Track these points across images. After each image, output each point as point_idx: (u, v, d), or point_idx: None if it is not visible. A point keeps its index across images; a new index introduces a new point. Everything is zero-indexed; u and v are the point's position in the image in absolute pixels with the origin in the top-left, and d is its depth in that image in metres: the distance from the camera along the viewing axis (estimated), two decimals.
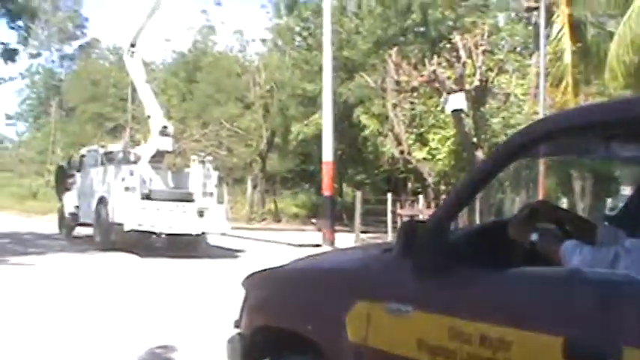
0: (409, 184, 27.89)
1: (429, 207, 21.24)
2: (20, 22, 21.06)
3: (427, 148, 23.33)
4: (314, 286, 3.68)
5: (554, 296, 2.56)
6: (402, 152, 23.56)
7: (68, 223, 22.82)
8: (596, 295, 2.42)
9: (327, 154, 20.26)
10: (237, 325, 4.03)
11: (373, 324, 3.13)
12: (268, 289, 4.01)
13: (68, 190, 23.17)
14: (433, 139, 23.27)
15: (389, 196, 22.56)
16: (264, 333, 3.78)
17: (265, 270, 4.19)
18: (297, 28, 30.81)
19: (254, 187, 33.73)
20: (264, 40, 34.78)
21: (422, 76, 22.00)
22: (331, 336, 3.32)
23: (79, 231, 22.46)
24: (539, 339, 2.48)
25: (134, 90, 29.56)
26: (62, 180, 24.03)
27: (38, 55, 66.82)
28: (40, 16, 24.38)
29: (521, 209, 3.16)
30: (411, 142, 23.46)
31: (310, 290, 3.65)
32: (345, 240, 20.00)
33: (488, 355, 2.62)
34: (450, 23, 27.44)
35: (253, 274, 4.17)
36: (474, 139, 20.71)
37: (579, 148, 3.65)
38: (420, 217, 18.92)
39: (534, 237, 2.91)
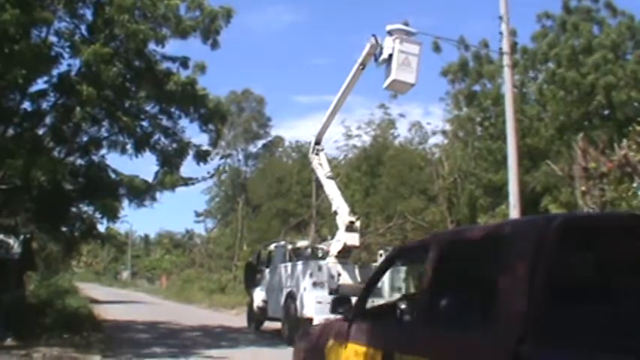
0: None
1: None
2: (211, 126, 21.99)
3: None
4: (317, 335, 7.57)
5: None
6: None
7: (257, 317, 23.24)
8: None
9: None
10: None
11: (335, 350, 6.61)
12: (300, 343, 8.20)
13: (257, 285, 23.69)
14: None
15: None
16: None
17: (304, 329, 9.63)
18: (478, 118, 30.52)
19: None
20: (444, 132, 34.70)
21: (611, 161, 21.00)
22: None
23: (268, 325, 22.80)
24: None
25: (318, 186, 30.21)
26: (251, 275, 24.64)
27: (229, 155, 70.32)
28: (227, 117, 25.43)
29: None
30: None
31: (314, 337, 7.58)
32: None
33: None
34: (637, 104, 26.20)
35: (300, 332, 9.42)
36: None
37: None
38: None
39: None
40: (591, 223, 5.12)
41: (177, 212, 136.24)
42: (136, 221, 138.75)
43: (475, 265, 5.26)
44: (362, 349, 5.95)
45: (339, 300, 7.10)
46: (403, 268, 19.01)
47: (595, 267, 4.65)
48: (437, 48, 25.58)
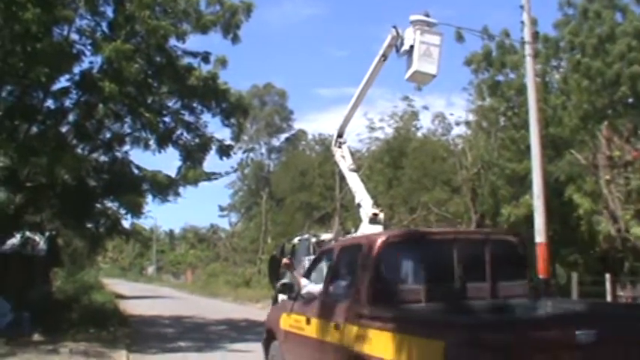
0: (626, 264, 26.04)
1: None
2: (233, 120, 22.02)
3: None
4: (277, 310, 10.57)
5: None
6: (618, 230, 22.15)
7: None
8: None
9: (540, 235, 19.42)
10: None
11: (284, 319, 9.68)
12: (270, 314, 11.02)
13: (281, 278, 23.63)
14: None
15: (607, 277, 21.21)
16: (268, 331, 10.50)
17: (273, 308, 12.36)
18: (502, 108, 30.21)
19: None
20: (467, 123, 34.35)
21: (636, 150, 20.77)
22: (277, 327, 9.89)
23: None
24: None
25: (341, 179, 30.07)
26: (275, 269, 24.58)
27: (252, 149, 70.50)
28: (249, 111, 25.46)
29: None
30: (628, 218, 22.00)
31: (275, 312, 10.59)
32: None
33: (303, 324, 8.94)
34: None
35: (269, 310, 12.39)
36: None
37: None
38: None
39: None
40: (406, 236, 8.76)
41: (202, 207, 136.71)
42: (161, 216, 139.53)
43: (351, 262, 8.35)
44: (297, 317, 9.17)
45: (285, 285, 9.94)
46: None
47: (410, 263, 8.07)
48: (460, 37, 25.34)
